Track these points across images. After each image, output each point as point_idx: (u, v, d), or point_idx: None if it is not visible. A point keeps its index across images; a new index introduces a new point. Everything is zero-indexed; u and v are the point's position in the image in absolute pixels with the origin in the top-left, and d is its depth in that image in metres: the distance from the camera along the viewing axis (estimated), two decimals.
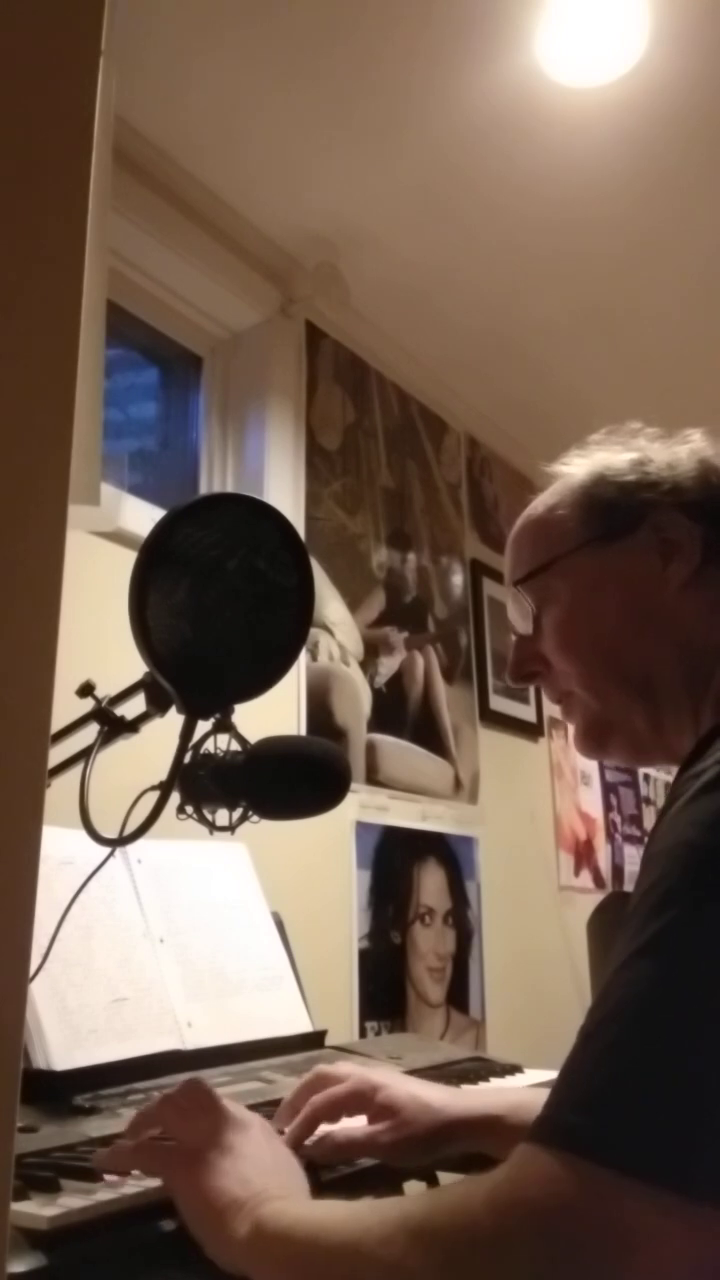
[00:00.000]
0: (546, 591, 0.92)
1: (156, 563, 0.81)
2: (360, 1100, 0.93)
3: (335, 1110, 0.93)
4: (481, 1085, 1.20)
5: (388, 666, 2.37)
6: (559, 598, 0.91)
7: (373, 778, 2.22)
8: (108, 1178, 0.76)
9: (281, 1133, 0.90)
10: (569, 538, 0.92)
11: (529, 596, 0.94)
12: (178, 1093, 0.81)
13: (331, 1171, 0.88)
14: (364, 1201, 0.69)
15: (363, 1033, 2.02)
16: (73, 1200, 0.72)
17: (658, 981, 0.58)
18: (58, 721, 0.57)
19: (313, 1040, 1.27)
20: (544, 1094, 0.78)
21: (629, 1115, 0.55)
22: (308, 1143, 0.89)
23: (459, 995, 2.35)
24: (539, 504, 0.96)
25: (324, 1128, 0.92)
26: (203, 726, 0.84)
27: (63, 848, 1.03)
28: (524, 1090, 1.16)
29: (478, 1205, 0.57)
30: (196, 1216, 0.71)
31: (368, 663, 2.30)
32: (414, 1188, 1.14)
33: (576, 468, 0.95)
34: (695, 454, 0.91)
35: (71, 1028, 1.01)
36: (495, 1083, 1.23)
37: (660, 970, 0.58)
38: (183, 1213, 0.72)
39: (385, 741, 2.29)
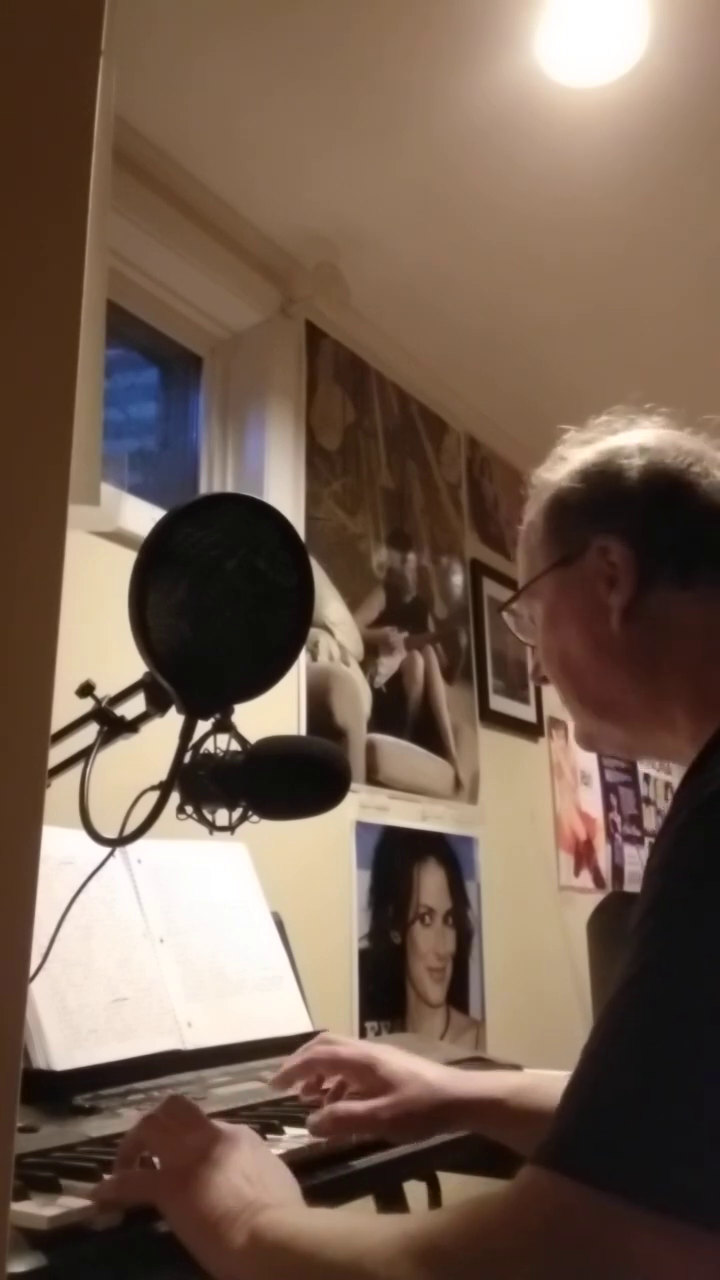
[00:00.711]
0: (531, 610, 0.95)
1: (156, 563, 0.81)
2: (361, 1069, 0.93)
3: (335, 1064, 0.94)
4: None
5: (388, 666, 2.37)
6: (536, 619, 0.94)
7: (373, 778, 2.22)
8: (108, 1178, 0.76)
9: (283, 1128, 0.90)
10: (536, 563, 0.93)
11: (525, 613, 0.96)
12: (159, 1111, 0.80)
13: (329, 1173, 0.88)
14: (365, 1216, 0.69)
15: (363, 1033, 2.02)
16: (73, 1200, 0.72)
17: (660, 1003, 0.57)
18: (58, 721, 0.57)
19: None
20: (546, 1077, 0.78)
21: (631, 1140, 0.54)
22: (310, 1120, 0.89)
23: (459, 995, 2.35)
24: (525, 518, 0.96)
25: (314, 1118, 0.91)
26: (203, 726, 0.84)
27: (63, 848, 1.03)
28: (527, 1074, 1.16)
29: (480, 1228, 0.57)
30: (192, 1232, 0.69)
31: (368, 663, 2.30)
32: (412, 1189, 1.14)
33: (548, 479, 0.93)
34: (643, 462, 0.87)
35: (71, 1028, 1.01)
36: None
37: (662, 991, 0.57)
38: (177, 1231, 0.71)
39: (385, 741, 2.29)
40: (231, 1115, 0.95)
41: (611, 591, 0.85)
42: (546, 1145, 0.57)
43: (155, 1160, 0.77)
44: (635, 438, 0.90)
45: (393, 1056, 0.95)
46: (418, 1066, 0.94)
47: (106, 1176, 0.76)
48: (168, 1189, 0.72)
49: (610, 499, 0.87)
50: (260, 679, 0.86)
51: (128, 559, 0.81)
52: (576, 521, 0.88)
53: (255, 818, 0.84)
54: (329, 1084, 0.98)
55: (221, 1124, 0.79)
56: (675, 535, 0.85)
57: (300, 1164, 0.84)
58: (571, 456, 0.92)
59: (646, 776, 3.54)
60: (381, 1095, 0.91)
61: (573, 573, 0.88)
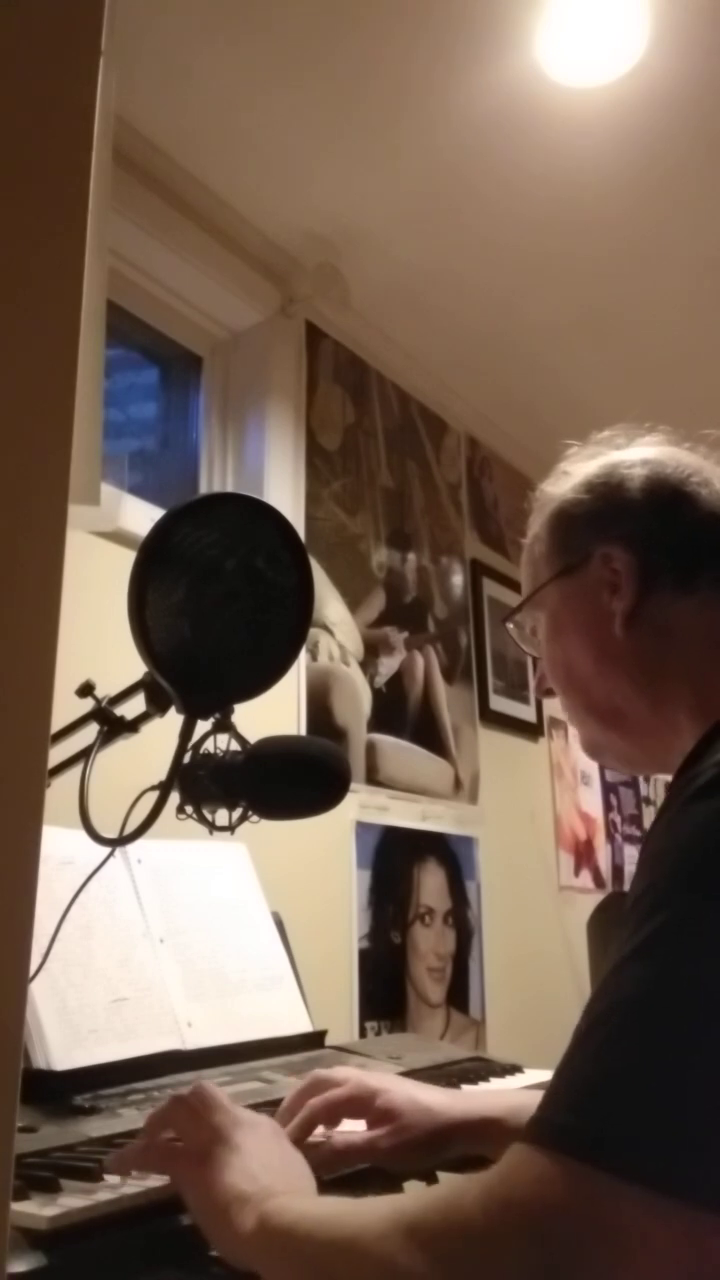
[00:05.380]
0: (534, 621, 0.96)
1: (156, 562, 0.81)
2: (359, 1105, 0.93)
3: (333, 1113, 0.93)
4: (481, 1086, 1.20)
5: (388, 666, 2.37)
6: (540, 630, 0.95)
7: (373, 778, 2.22)
8: (108, 1178, 0.76)
9: None
10: (540, 573, 0.94)
11: (528, 624, 0.97)
12: (189, 1094, 0.82)
13: (330, 1172, 0.88)
14: (365, 1198, 0.70)
15: (363, 1033, 2.02)
16: (73, 1200, 0.72)
17: (651, 983, 0.58)
18: (58, 721, 0.57)
19: (313, 1040, 1.27)
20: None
21: (621, 1116, 0.55)
22: (309, 1158, 0.89)
23: (459, 995, 2.35)
24: (528, 531, 0.98)
25: (321, 1131, 0.91)
26: (202, 726, 0.84)
27: (63, 848, 1.03)
28: (524, 1093, 1.16)
29: (469, 1204, 0.57)
30: (204, 1211, 0.72)
31: (368, 663, 2.30)
32: (413, 1187, 1.14)
33: (552, 492, 0.95)
34: (645, 473, 0.89)
35: (71, 1028, 1.01)
36: (495, 1083, 1.23)
37: (653, 972, 0.58)
38: (190, 1208, 0.73)
39: (385, 741, 2.29)
40: None
41: (614, 598, 0.86)
42: (535, 1122, 0.58)
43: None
44: (637, 452, 0.92)
45: (390, 1084, 0.95)
46: (415, 1092, 0.94)
47: (108, 1178, 0.76)
48: (186, 1166, 0.75)
49: (613, 508, 0.89)
50: (260, 679, 0.86)
51: (128, 559, 0.81)
52: (580, 531, 0.90)
53: (255, 818, 0.84)
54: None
55: (246, 1112, 0.81)
56: (676, 542, 0.86)
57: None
58: (575, 470, 0.94)
59: (647, 776, 3.55)
60: (381, 1124, 0.91)
61: (576, 581, 0.90)
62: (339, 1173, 0.89)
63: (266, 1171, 0.73)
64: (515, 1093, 1.18)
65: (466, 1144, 0.93)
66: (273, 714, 1.35)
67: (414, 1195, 0.64)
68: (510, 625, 1.00)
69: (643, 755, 0.91)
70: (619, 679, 0.87)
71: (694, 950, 0.57)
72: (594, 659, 0.88)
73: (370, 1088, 0.94)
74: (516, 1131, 0.89)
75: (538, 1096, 0.94)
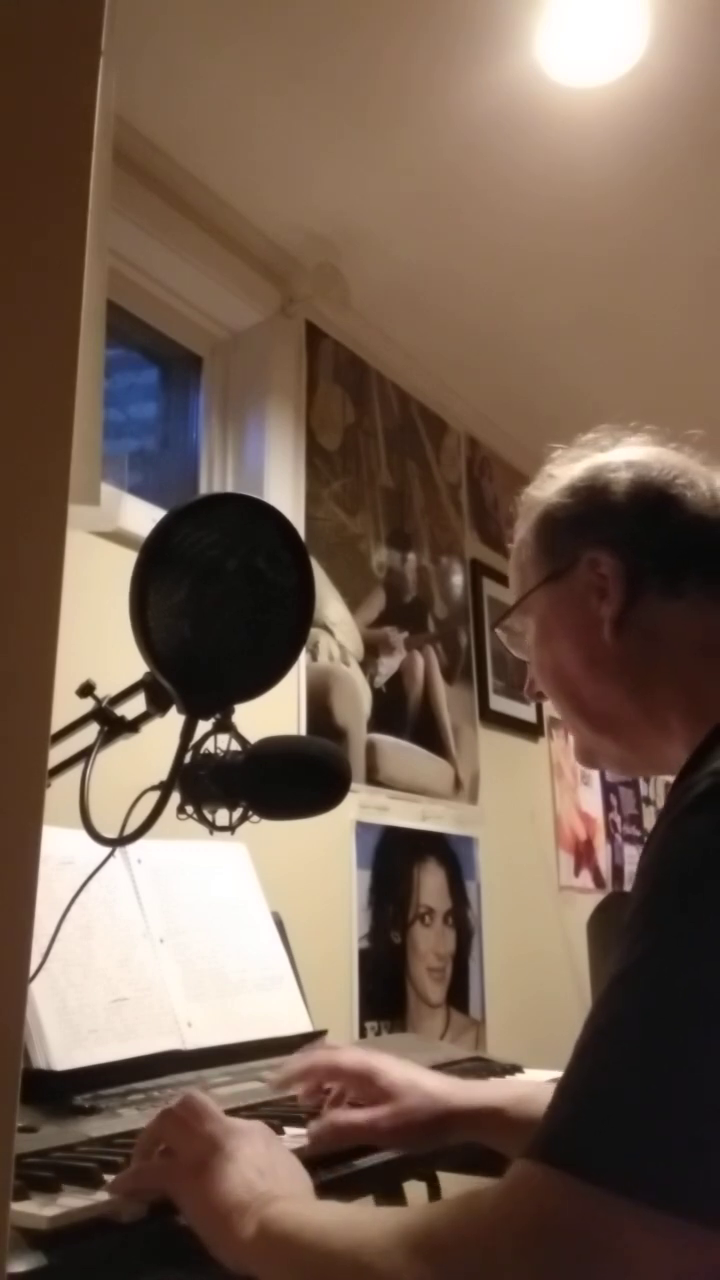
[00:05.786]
0: (523, 626, 0.95)
1: (156, 563, 0.81)
2: (362, 1079, 0.94)
3: (334, 1073, 0.95)
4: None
5: (388, 666, 2.37)
6: (530, 634, 0.94)
7: (373, 778, 2.22)
8: (108, 1178, 0.76)
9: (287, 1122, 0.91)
10: (528, 579, 0.94)
11: (518, 629, 0.97)
12: (176, 1106, 0.81)
13: (330, 1172, 0.88)
14: (368, 1209, 0.70)
15: (363, 1033, 2.02)
16: (73, 1200, 0.72)
17: (647, 999, 0.58)
18: (58, 721, 0.57)
19: (313, 1040, 1.27)
20: (547, 1087, 0.79)
21: (615, 1131, 0.55)
22: (310, 1130, 0.90)
23: (459, 995, 2.35)
24: (516, 536, 0.97)
25: (314, 1127, 0.91)
26: (203, 726, 0.84)
27: (63, 848, 1.03)
28: (526, 1083, 1.17)
29: (472, 1221, 0.58)
30: (203, 1221, 0.71)
31: (368, 663, 2.30)
32: (412, 1188, 1.14)
33: (537, 496, 0.94)
34: (629, 476, 0.88)
35: (71, 1027, 1.01)
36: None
37: (649, 988, 0.58)
38: (190, 1220, 0.72)
39: (385, 741, 2.29)
40: (231, 1115, 0.94)
41: (602, 603, 0.86)
42: (538, 1139, 0.58)
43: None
44: (621, 454, 0.91)
45: (393, 1066, 0.95)
46: (417, 1076, 0.95)
47: (108, 1177, 0.76)
48: (182, 1179, 0.74)
49: (598, 512, 0.88)
50: (260, 679, 0.86)
51: (128, 559, 0.81)
52: (566, 536, 0.89)
53: (255, 818, 0.84)
54: (329, 1087, 0.99)
55: (236, 1119, 0.80)
56: (663, 545, 0.85)
57: (302, 1163, 0.84)
58: (560, 474, 0.93)
59: (647, 777, 3.55)
60: (381, 1104, 0.92)
61: (564, 586, 0.89)
62: (337, 1173, 0.89)
63: (263, 1177, 0.73)
64: (519, 1083, 1.18)
65: (467, 1132, 0.94)
66: (273, 714, 1.35)
67: (417, 1210, 0.64)
68: (500, 631, 1.00)
69: (636, 758, 0.90)
70: (609, 684, 0.86)
71: (689, 965, 0.57)
72: (583, 664, 0.88)
73: (374, 1067, 0.95)
74: (519, 1121, 0.90)
75: (541, 1087, 0.95)
